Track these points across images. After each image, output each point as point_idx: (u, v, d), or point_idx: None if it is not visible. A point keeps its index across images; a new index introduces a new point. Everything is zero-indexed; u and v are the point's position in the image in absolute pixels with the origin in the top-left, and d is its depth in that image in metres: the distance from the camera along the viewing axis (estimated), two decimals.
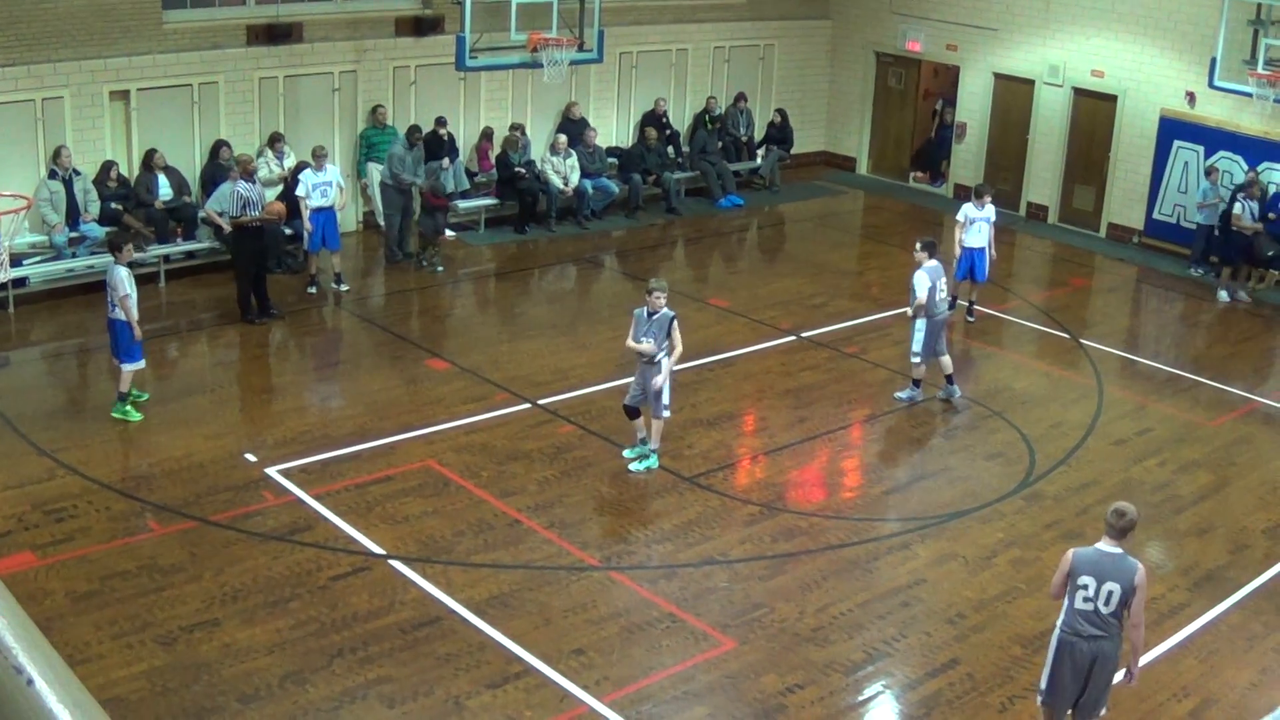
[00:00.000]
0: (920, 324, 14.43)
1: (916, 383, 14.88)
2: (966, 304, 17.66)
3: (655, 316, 12.45)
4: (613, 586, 10.79)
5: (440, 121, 20.24)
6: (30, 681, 1.31)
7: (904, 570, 11.27)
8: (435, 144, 20.11)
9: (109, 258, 13.69)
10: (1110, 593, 8.00)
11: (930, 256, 14.48)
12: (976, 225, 17.02)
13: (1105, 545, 8.11)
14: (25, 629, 1.40)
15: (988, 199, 17.16)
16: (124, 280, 13.08)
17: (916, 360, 14.67)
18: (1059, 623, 8.29)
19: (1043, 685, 8.46)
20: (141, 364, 13.47)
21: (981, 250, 17.07)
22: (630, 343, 12.58)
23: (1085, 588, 8.05)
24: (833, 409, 14.73)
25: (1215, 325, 18.88)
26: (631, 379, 12.87)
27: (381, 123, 19.96)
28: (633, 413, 12.83)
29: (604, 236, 21.40)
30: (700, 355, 15.85)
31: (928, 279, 14.35)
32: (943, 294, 14.65)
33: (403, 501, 11.95)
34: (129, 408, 13.39)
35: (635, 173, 22.31)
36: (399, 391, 14.57)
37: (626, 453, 13.02)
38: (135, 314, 13.15)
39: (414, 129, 19.34)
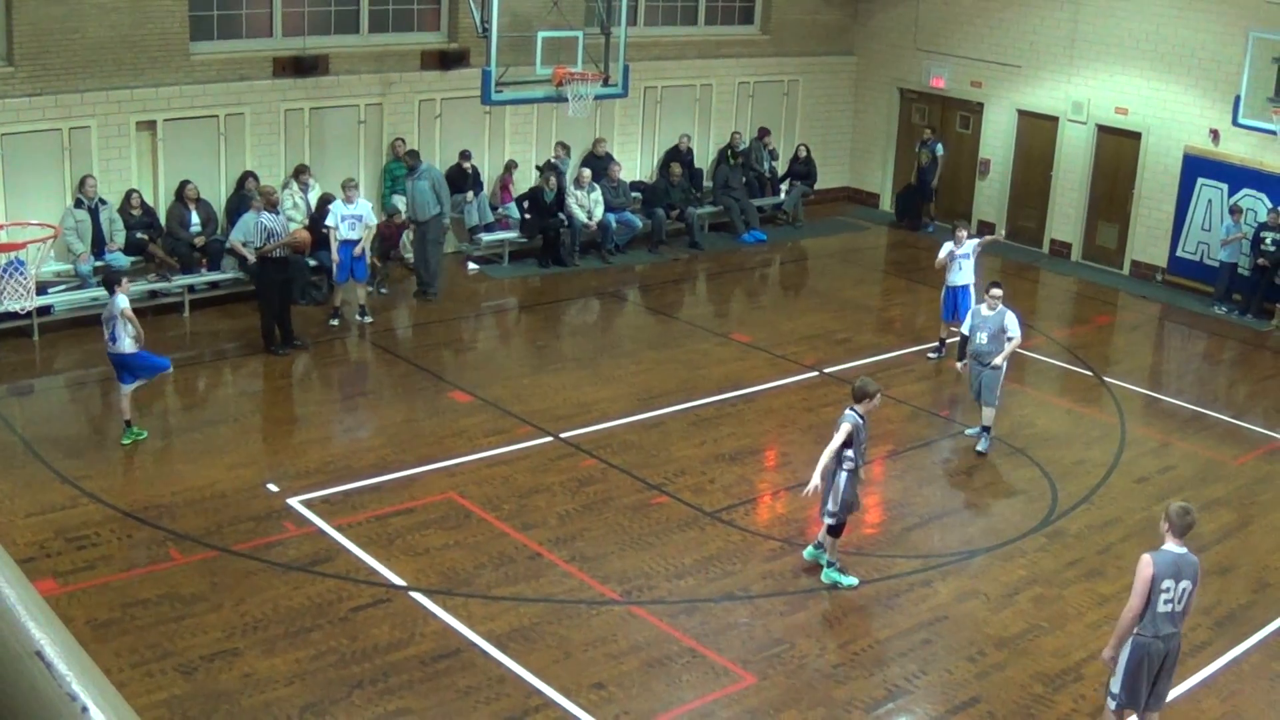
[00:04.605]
0: (1003, 369, 14.21)
1: (988, 429, 14.51)
2: (941, 339, 17.55)
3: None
4: (633, 621, 10.76)
5: (465, 155, 20.34)
6: (85, 709, 1.32)
7: (925, 607, 11.22)
8: (460, 177, 20.20)
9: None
10: (1185, 590, 8.33)
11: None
12: (957, 263, 16.90)
13: (1174, 546, 8.38)
14: (76, 656, 1.41)
15: (964, 234, 17.00)
16: (123, 303, 13.27)
17: (996, 406, 14.35)
18: (1136, 629, 8.41)
19: (1117, 690, 8.57)
20: (136, 384, 13.58)
21: (966, 288, 16.84)
22: (824, 466, 11.19)
23: (1167, 590, 8.28)
24: None
25: (1238, 363, 18.82)
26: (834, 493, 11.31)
27: None
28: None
29: (627, 271, 21.45)
30: (722, 390, 15.89)
31: (1017, 320, 14.30)
32: None
33: (424, 533, 11.96)
34: (134, 429, 13.57)
35: (659, 207, 22.38)
36: (421, 424, 14.60)
37: (825, 573, 11.63)
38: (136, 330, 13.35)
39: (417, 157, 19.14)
